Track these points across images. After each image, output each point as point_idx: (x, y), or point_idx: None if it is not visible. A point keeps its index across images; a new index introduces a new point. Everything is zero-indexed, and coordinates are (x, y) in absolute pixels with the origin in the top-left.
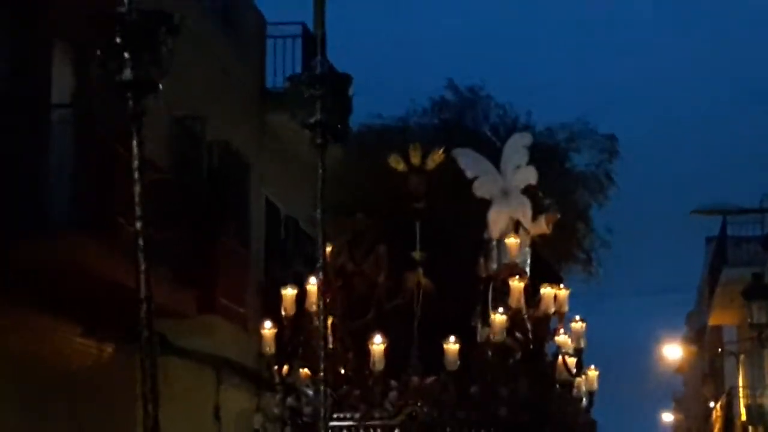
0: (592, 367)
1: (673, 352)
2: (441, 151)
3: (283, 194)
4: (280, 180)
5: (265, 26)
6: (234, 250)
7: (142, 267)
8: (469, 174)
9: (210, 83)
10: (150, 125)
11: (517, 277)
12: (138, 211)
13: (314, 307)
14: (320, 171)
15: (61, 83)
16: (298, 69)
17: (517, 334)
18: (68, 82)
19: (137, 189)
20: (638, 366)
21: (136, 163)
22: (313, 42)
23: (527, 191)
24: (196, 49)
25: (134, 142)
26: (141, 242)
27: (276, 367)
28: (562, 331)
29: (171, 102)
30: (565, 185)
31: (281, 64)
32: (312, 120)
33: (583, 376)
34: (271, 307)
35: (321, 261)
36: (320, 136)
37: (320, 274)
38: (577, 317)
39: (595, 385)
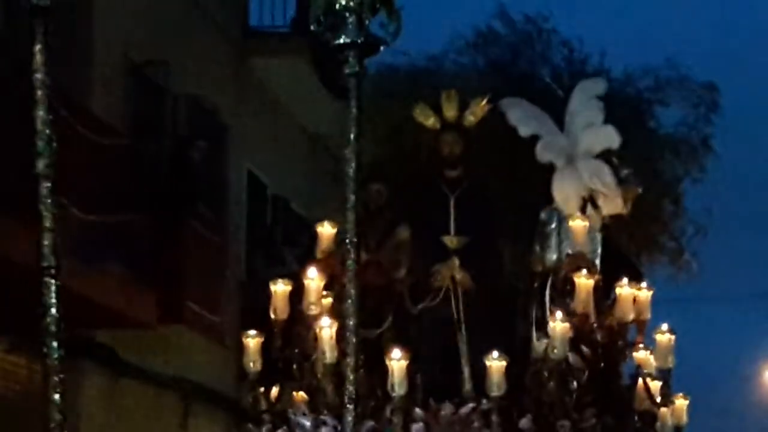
0: (681, 394)
1: None
2: (485, 101)
3: (271, 166)
4: (267, 147)
5: None
6: (207, 240)
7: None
8: (524, 131)
9: (177, 19)
10: (100, 73)
11: (585, 271)
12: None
13: (313, 309)
14: (354, 110)
15: None
16: (291, 4)
17: (584, 349)
18: None
19: None
20: (736, 394)
21: None
22: None
23: (597, 157)
24: None
25: None
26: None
27: (262, 390)
28: (642, 345)
29: (127, 43)
30: (648, 150)
31: None
32: (344, 40)
33: (670, 406)
34: (255, 313)
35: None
36: (356, 62)
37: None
38: (664, 327)
39: (685, 419)
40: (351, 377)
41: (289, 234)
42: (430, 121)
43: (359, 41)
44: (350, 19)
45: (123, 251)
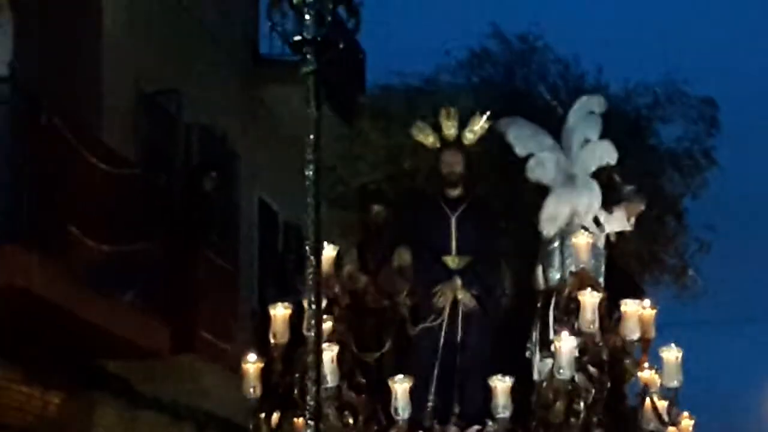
0: (686, 414)
1: None
2: (484, 117)
3: (282, 193)
4: (278, 175)
5: None
6: (219, 268)
7: None
8: (521, 151)
9: (187, 49)
10: (111, 103)
11: (590, 289)
12: None
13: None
14: (313, 111)
15: None
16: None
17: (590, 369)
18: (5, 49)
19: None
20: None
21: None
22: None
23: (600, 175)
24: (170, 4)
25: None
26: None
27: (263, 416)
28: (647, 364)
29: (138, 73)
30: (648, 166)
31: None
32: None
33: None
34: (267, 342)
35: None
36: (314, 59)
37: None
38: (672, 345)
39: None
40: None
41: (302, 261)
42: (430, 140)
43: (317, 38)
44: (308, 16)
45: (136, 281)
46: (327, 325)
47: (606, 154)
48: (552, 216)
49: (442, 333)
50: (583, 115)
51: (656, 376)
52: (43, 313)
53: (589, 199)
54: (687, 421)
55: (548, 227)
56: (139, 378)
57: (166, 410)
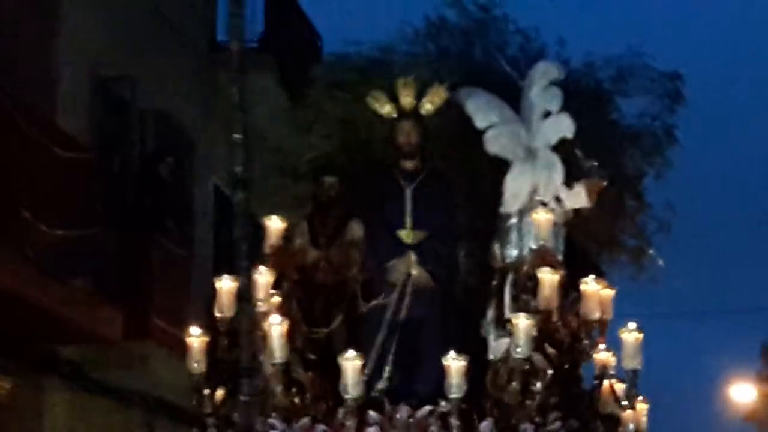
0: (640, 398)
1: (743, 393)
2: (443, 87)
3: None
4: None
5: None
6: (173, 255)
7: None
8: (481, 122)
9: (143, 34)
10: (66, 88)
11: (550, 267)
12: None
13: (262, 306)
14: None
15: None
16: (259, 16)
17: (548, 349)
18: None
19: None
20: (696, 409)
21: None
22: None
23: (560, 149)
24: None
25: None
26: None
27: (207, 392)
28: (603, 345)
29: (92, 58)
30: (609, 143)
31: None
32: None
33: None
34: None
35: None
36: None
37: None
38: (631, 325)
39: (644, 422)
40: None
41: (258, 248)
42: (386, 109)
43: None
44: None
45: (89, 266)
46: (276, 300)
47: (564, 126)
48: (514, 193)
49: (394, 310)
50: (543, 87)
51: (613, 358)
52: (4, 306)
53: (550, 174)
54: (641, 405)
55: (511, 204)
56: (91, 364)
57: (117, 396)
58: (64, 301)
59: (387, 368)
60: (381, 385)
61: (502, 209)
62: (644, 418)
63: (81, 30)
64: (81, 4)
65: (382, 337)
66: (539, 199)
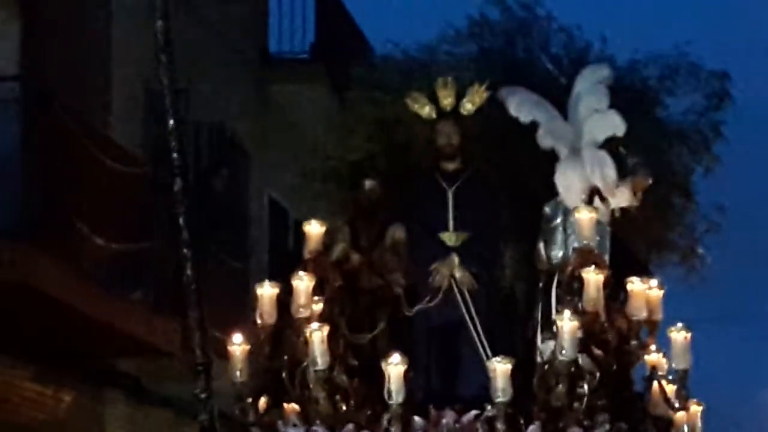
0: (695, 400)
1: None
2: (483, 87)
3: (293, 192)
4: (289, 174)
5: None
6: (229, 267)
7: None
8: (525, 117)
9: (196, 46)
10: (120, 102)
11: (594, 266)
12: None
13: (303, 312)
14: None
15: (4, 49)
16: (310, 26)
17: (595, 350)
18: (13, 48)
19: None
20: (751, 414)
21: None
22: None
23: (604, 147)
24: (177, 2)
25: None
26: None
27: (250, 401)
28: (653, 347)
29: (145, 72)
30: (655, 141)
31: (288, 21)
32: None
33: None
34: None
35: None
36: None
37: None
38: (679, 325)
39: (699, 425)
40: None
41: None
42: (426, 111)
43: None
44: None
45: (146, 279)
46: (317, 307)
47: (614, 124)
48: (568, 190)
49: (440, 313)
50: (590, 85)
51: (663, 360)
52: (54, 312)
53: (602, 170)
54: (696, 407)
55: (569, 200)
56: (149, 376)
57: (176, 408)
58: (121, 314)
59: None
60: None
61: (547, 208)
62: (699, 421)
63: (133, 43)
64: (132, 18)
65: (426, 341)
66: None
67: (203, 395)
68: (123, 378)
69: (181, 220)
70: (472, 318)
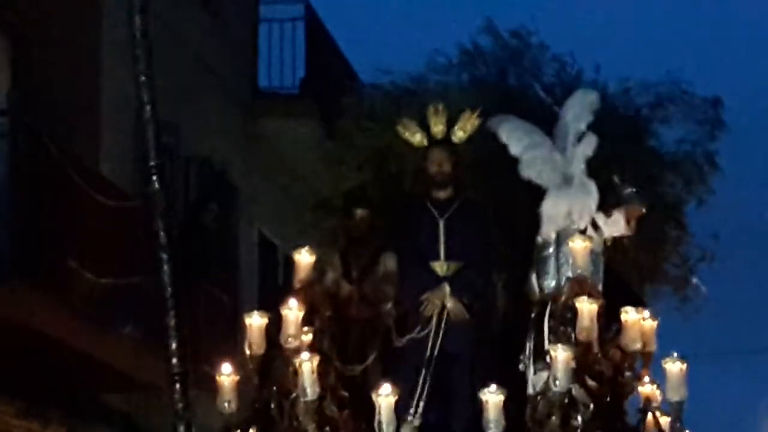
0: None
1: None
2: (475, 114)
3: (282, 227)
4: (278, 209)
5: (257, 6)
6: (219, 302)
7: None
8: (515, 149)
9: (185, 81)
10: (109, 136)
11: (588, 296)
12: None
13: (292, 342)
14: None
15: None
16: (300, 61)
17: (588, 381)
18: (3, 82)
19: None
20: None
21: None
22: (319, 27)
23: (599, 176)
24: (168, 36)
25: None
26: None
27: None
28: (647, 378)
29: (135, 105)
30: (648, 170)
31: (278, 56)
32: None
33: None
34: None
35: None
36: None
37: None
38: (675, 354)
39: None
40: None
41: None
42: (417, 138)
43: None
44: None
45: (136, 314)
46: (307, 337)
47: (587, 145)
48: (549, 215)
49: (429, 344)
50: (578, 111)
51: (657, 392)
52: (42, 347)
53: (584, 199)
54: None
55: (547, 229)
56: (139, 412)
57: None
58: (110, 349)
59: (420, 403)
60: (416, 422)
61: (539, 237)
62: None
63: (123, 78)
64: (123, 51)
65: (416, 372)
66: (575, 226)
67: (180, 405)
68: (112, 414)
69: (158, 221)
70: (463, 348)
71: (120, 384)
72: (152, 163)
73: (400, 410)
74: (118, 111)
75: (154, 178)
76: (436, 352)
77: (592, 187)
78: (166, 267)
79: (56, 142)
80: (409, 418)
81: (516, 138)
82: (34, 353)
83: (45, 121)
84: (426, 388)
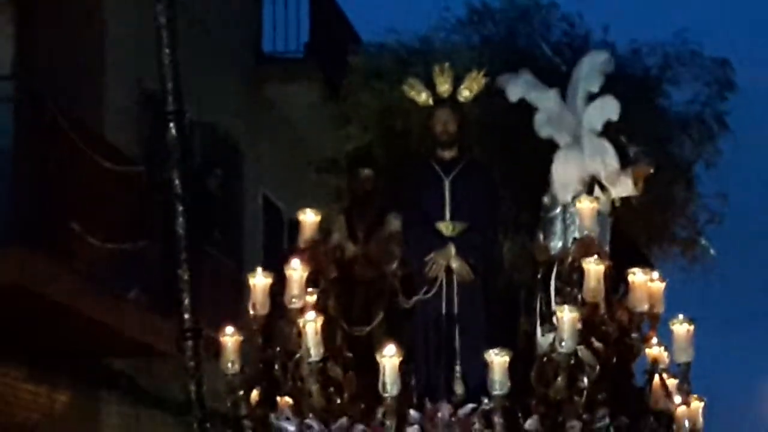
0: (695, 396)
1: None
2: (481, 74)
3: (287, 191)
4: (283, 173)
5: None
6: (224, 266)
7: None
8: (527, 96)
9: (189, 46)
10: (113, 102)
11: (595, 257)
12: None
13: (296, 302)
14: None
15: None
16: (304, 26)
17: (594, 342)
18: (8, 48)
19: None
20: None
21: None
22: None
23: (605, 135)
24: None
25: None
26: None
27: (242, 393)
28: (655, 340)
29: (138, 70)
30: (657, 131)
31: (282, 20)
32: None
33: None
34: None
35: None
36: None
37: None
38: (681, 317)
39: (701, 421)
40: None
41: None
42: (422, 97)
43: None
44: None
45: (140, 279)
46: (311, 299)
47: (609, 110)
48: (564, 183)
49: (436, 305)
50: (588, 72)
51: (665, 354)
52: (47, 312)
53: (603, 160)
54: (696, 403)
55: (563, 194)
56: (144, 376)
57: (171, 408)
58: (116, 314)
59: (457, 369)
60: (459, 389)
61: (546, 198)
62: (700, 417)
63: (126, 44)
64: (126, 17)
65: (423, 333)
66: (604, 184)
67: (191, 363)
68: (118, 378)
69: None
70: (470, 309)
71: (125, 348)
72: (169, 109)
73: (406, 371)
74: (122, 76)
75: (171, 125)
76: (443, 313)
77: (605, 143)
78: (181, 218)
79: (60, 107)
80: None
81: (528, 89)
82: (39, 318)
83: (49, 87)
84: (432, 350)
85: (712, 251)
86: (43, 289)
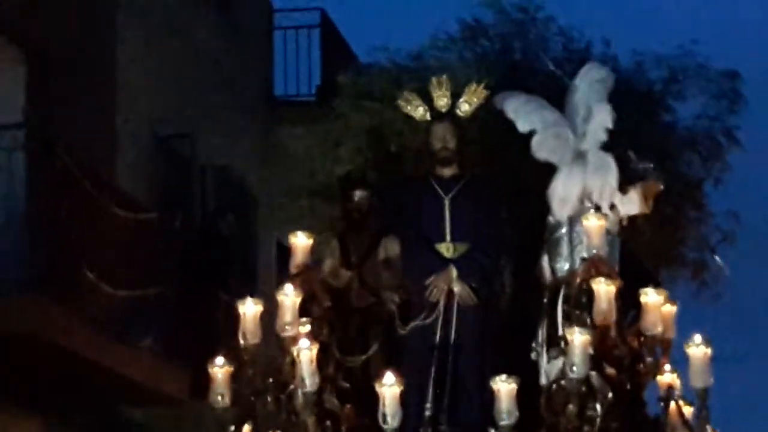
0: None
1: None
2: (481, 86)
3: None
4: (296, 217)
5: (272, 14)
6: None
7: None
8: (523, 126)
9: (201, 90)
10: (126, 148)
11: (605, 278)
12: None
13: (289, 330)
14: None
15: (9, 96)
16: (315, 69)
17: (606, 368)
18: (19, 95)
19: None
20: None
21: None
22: (334, 34)
23: (613, 152)
24: (183, 45)
25: None
26: None
27: (233, 429)
28: (668, 366)
29: (151, 116)
30: (664, 147)
31: (293, 63)
32: None
33: None
34: None
35: None
36: None
37: None
38: (697, 338)
39: None
40: None
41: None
42: (419, 112)
43: None
44: None
45: (154, 326)
46: (304, 329)
47: (601, 117)
48: (562, 198)
49: (437, 331)
50: (589, 84)
51: (678, 380)
52: (62, 361)
53: (604, 177)
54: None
55: (560, 210)
56: (159, 424)
57: None
58: (130, 362)
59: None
60: (427, 412)
61: (551, 217)
62: None
63: (139, 89)
64: (139, 62)
65: (423, 361)
66: (595, 203)
67: None
68: (133, 427)
69: None
70: (472, 335)
71: (139, 397)
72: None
73: (407, 401)
74: (134, 122)
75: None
76: (443, 339)
77: (610, 160)
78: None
79: (72, 154)
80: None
81: (523, 115)
82: (53, 367)
83: (61, 133)
84: (433, 378)
85: (726, 271)
86: (57, 338)
